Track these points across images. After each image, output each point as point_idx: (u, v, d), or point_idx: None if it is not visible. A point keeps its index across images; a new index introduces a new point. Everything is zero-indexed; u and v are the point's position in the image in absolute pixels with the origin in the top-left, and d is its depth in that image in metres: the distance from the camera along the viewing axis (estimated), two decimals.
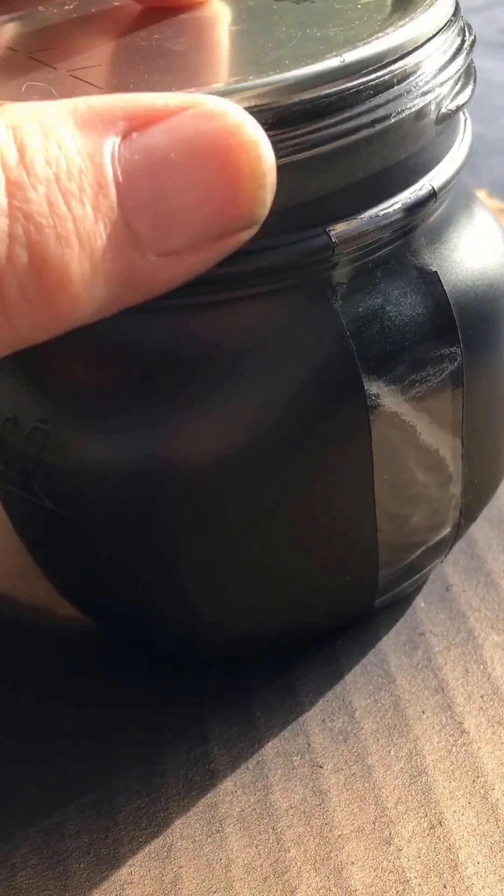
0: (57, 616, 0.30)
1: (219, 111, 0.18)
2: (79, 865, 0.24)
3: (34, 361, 0.23)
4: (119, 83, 0.22)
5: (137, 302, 0.19)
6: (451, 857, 0.23)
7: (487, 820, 0.24)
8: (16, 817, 0.25)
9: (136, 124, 0.18)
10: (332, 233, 0.20)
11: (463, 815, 0.24)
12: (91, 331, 0.22)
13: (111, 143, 0.17)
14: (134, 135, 0.18)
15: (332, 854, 0.24)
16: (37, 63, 0.23)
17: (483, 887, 0.23)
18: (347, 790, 0.25)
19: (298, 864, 0.24)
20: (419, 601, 0.30)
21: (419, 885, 0.23)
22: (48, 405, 0.23)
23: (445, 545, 0.27)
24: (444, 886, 0.23)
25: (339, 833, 0.24)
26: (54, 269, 0.17)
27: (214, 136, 0.18)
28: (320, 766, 0.26)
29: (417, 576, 0.27)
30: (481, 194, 0.52)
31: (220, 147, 0.18)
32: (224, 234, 0.19)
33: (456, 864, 0.23)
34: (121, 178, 0.17)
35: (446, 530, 0.27)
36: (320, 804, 0.25)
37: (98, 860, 0.24)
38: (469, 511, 0.27)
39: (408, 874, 0.23)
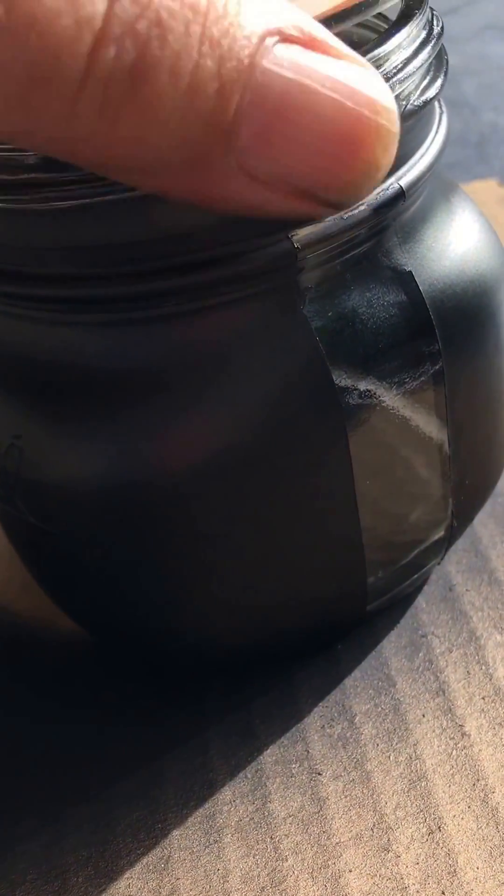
0: (57, 628, 0.30)
1: (381, 82, 0.17)
2: (77, 879, 0.24)
3: (8, 376, 0.23)
4: None
5: (186, 194, 0.17)
6: (450, 862, 0.23)
7: (487, 824, 0.24)
8: (14, 831, 0.25)
9: (306, 41, 0.16)
10: (294, 238, 0.20)
11: (462, 819, 0.24)
12: (58, 344, 0.22)
13: (273, 38, 0.16)
14: (298, 47, 0.16)
15: (329, 862, 0.24)
16: None
17: (482, 893, 0.23)
18: (346, 797, 0.25)
19: (296, 872, 0.24)
20: (421, 602, 0.29)
21: (417, 891, 0.23)
22: (20, 421, 0.23)
23: (439, 547, 0.27)
24: (443, 892, 0.23)
25: (337, 841, 0.24)
26: (152, 77, 0.15)
27: (366, 100, 0.17)
28: (319, 774, 0.25)
29: (412, 579, 0.27)
30: (491, 183, 0.51)
31: (364, 115, 0.17)
32: (311, 195, 0.17)
33: (455, 869, 0.23)
34: (260, 69, 0.16)
35: (438, 533, 0.26)
36: (318, 812, 0.25)
37: (96, 873, 0.24)
38: (462, 512, 0.27)
39: (406, 881, 0.23)
